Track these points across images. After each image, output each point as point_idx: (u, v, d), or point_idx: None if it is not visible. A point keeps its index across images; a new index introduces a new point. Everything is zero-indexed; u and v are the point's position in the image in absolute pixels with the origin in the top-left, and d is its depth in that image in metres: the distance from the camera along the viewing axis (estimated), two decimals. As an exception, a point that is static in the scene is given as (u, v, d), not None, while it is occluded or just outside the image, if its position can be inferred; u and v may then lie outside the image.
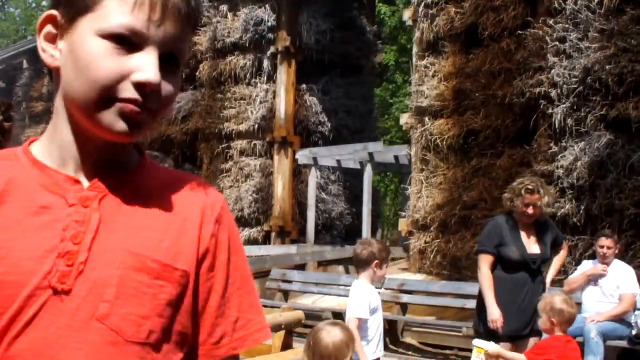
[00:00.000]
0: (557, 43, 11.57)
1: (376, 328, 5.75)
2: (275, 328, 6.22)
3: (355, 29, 19.60)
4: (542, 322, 5.52)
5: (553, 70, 11.52)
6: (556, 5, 11.71)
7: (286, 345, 6.26)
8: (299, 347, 6.55)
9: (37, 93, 26.80)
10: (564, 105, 11.31)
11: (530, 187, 6.21)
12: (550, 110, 11.51)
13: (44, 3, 56.78)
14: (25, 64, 27.63)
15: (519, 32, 12.20)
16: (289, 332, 6.26)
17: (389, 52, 27.73)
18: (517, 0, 12.43)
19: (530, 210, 6.17)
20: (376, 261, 5.75)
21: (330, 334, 4.41)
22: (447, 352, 10.31)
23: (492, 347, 5.61)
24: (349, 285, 11.32)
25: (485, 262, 6.46)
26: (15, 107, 4.55)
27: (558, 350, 5.33)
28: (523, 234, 6.40)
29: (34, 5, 57.45)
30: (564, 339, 5.40)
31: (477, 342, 5.73)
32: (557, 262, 6.82)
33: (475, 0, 13.07)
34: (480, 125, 12.69)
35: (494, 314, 6.22)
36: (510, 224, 6.43)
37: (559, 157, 11.33)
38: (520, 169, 11.85)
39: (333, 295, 12.07)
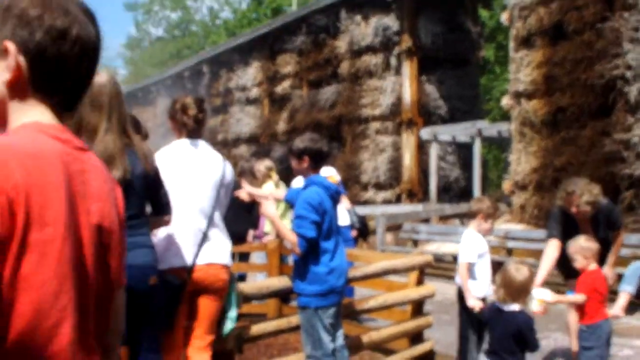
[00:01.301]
0: (631, 32, 11.34)
1: (484, 270, 5.69)
2: (410, 269, 6.26)
3: (463, 31, 19.47)
4: (579, 263, 5.30)
5: (628, 55, 11.31)
6: (631, 1, 11.45)
7: (419, 282, 6.37)
8: (428, 283, 6.71)
9: (216, 91, 27.18)
10: (638, 84, 11.13)
11: (568, 190, 5.76)
12: (626, 89, 11.31)
13: (217, 22, 58.11)
14: (205, 69, 28.02)
15: (598, 25, 11.98)
16: (421, 272, 6.38)
17: (489, 48, 27.33)
18: (596, -1, 12.24)
19: (574, 210, 5.73)
20: (481, 214, 5.81)
21: (519, 272, 4.65)
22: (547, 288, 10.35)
23: (551, 297, 5.23)
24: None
25: (552, 246, 5.92)
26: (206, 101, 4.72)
27: (597, 278, 5.28)
28: (581, 227, 5.83)
29: (210, 23, 58.78)
30: (597, 269, 5.33)
31: (536, 293, 5.18)
32: (614, 249, 6.01)
33: (561, 1, 12.90)
34: (567, 103, 12.56)
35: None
36: (568, 216, 5.89)
37: (634, 127, 11.16)
38: (601, 138, 11.72)
39: (452, 242, 12.25)
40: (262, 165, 8.90)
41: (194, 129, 4.23)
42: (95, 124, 3.37)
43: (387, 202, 18.20)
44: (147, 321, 3.54)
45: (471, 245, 5.66)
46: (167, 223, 3.75)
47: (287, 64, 22.66)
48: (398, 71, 18.64)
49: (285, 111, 22.49)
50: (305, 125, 20.70)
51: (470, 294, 5.55)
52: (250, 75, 24.62)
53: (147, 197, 3.60)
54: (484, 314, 5.13)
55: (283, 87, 22.85)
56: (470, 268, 5.63)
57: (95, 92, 3.35)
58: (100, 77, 3.40)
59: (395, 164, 18.48)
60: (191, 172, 4.04)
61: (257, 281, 6.94)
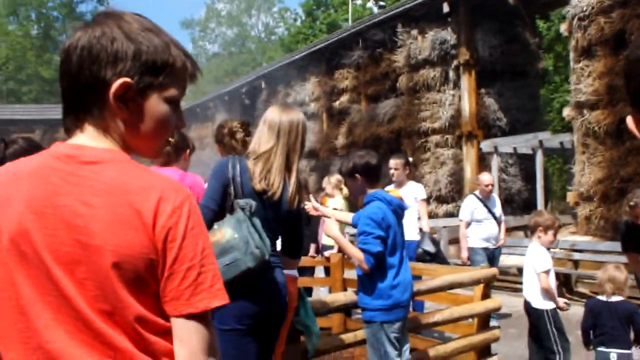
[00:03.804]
0: (695, 40, 11.16)
1: (552, 281, 5.81)
2: (476, 282, 6.30)
3: (520, 42, 19.30)
4: None
5: (692, 63, 11.11)
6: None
7: (485, 295, 6.38)
8: (494, 296, 6.70)
9: None
10: (703, 92, 10.92)
11: (631, 203, 6.00)
12: (691, 97, 11.11)
13: (273, 38, 58.65)
14: (263, 85, 28.11)
15: (661, 33, 11.82)
16: (487, 285, 6.39)
17: (548, 58, 27.03)
18: (658, 7, 12.06)
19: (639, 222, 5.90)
20: (540, 227, 5.87)
21: (619, 269, 5.11)
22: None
23: None
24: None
25: (632, 260, 6.22)
26: (251, 124, 4.80)
27: None
28: None
29: (265, 39, 59.34)
30: None
31: None
32: None
33: (622, 11, 12.75)
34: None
35: None
36: (636, 227, 6.05)
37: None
38: (667, 148, 11.55)
39: (517, 255, 12.17)
40: (333, 178, 9.20)
41: (242, 152, 4.39)
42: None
43: (449, 215, 18.11)
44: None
45: (543, 255, 5.80)
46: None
47: (345, 78, 22.78)
48: (456, 84, 18.58)
49: (343, 126, 22.59)
50: (364, 139, 20.77)
51: (556, 296, 5.78)
52: (307, 90, 24.81)
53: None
54: (590, 307, 5.55)
55: (341, 101, 22.96)
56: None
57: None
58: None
59: (457, 176, 18.40)
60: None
61: (322, 296, 7.05)
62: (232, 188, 3.54)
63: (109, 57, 1.45)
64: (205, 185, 4.03)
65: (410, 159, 9.91)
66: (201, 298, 1.42)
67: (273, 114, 3.70)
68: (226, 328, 3.41)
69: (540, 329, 5.80)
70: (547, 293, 5.74)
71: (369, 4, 42.78)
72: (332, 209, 5.31)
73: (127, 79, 1.45)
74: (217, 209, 3.54)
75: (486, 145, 17.52)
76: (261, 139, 3.65)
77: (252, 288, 3.43)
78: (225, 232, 3.33)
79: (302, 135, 3.71)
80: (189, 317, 1.42)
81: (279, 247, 3.78)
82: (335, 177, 9.34)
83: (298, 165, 3.71)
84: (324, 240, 8.96)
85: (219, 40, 61.92)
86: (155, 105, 1.51)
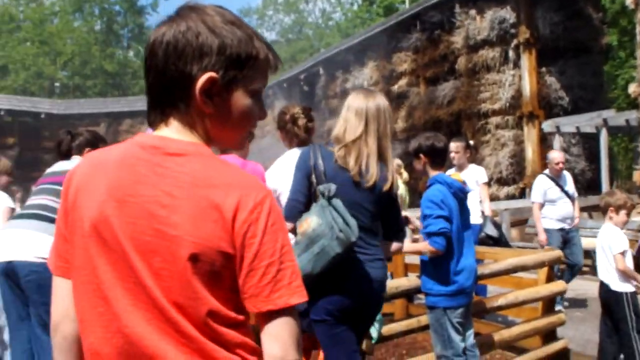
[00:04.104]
0: None
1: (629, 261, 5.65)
2: (540, 265, 6.18)
3: (583, 18, 18.88)
4: None
5: None
6: None
7: (549, 278, 6.29)
8: (558, 280, 6.60)
9: (332, 92, 27.30)
10: None
11: None
12: None
13: (330, 23, 58.55)
14: (321, 71, 28.16)
15: None
16: (551, 268, 6.29)
17: (612, 34, 26.32)
18: None
19: None
20: (611, 207, 5.72)
21: None
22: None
23: None
24: (593, 228, 11.16)
25: None
26: (313, 109, 4.80)
27: None
28: None
29: (323, 25, 59.29)
30: None
31: None
32: None
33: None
34: (700, 88, 12.02)
35: None
36: None
37: None
38: None
39: (581, 236, 11.94)
40: (394, 163, 9.16)
41: (304, 139, 4.38)
42: None
43: (510, 197, 17.90)
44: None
45: (618, 235, 5.62)
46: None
47: (403, 62, 22.64)
48: (516, 64, 18.32)
49: (402, 109, 22.48)
50: (424, 122, 20.65)
51: (638, 276, 5.57)
52: (366, 75, 24.74)
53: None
54: None
55: (399, 85, 22.84)
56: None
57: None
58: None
59: (518, 158, 18.15)
60: None
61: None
62: (314, 177, 3.53)
63: (194, 52, 1.47)
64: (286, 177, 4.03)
65: (471, 142, 9.76)
66: (280, 295, 1.43)
67: (358, 101, 3.67)
68: (317, 319, 3.45)
69: (617, 312, 5.60)
70: (625, 275, 5.57)
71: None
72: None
73: (213, 74, 1.47)
74: (305, 200, 3.55)
75: (548, 125, 17.22)
76: (348, 127, 3.61)
77: (344, 281, 3.43)
78: (311, 221, 3.33)
79: (390, 119, 3.70)
80: (276, 313, 1.43)
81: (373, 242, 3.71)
82: (395, 162, 9.31)
83: (391, 149, 3.70)
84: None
85: (277, 27, 62.21)
86: (240, 98, 1.53)
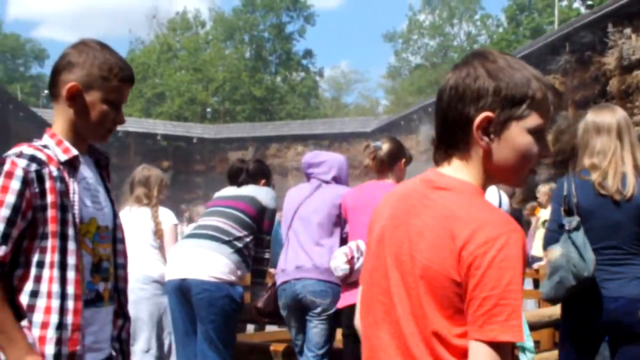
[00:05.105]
0: None
1: None
2: None
3: None
4: None
5: None
6: None
7: None
8: None
9: None
10: None
11: None
12: None
13: (475, 46, 57.84)
14: None
15: None
16: None
17: None
18: None
19: None
20: None
21: None
22: None
23: None
24: None
25: None
26: None
27: None
28: None
29: (468, 48, 58.69)
30: None
31: None
32: None
33: None
34: None
35: None
36: None
37: None
38: None
39: None
40: (546, 188, 9.08)
41: None
42: None
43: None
44: None
45: None
46: None
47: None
48: (675, 85, 17.41)
49: (550, 133, 21.85)
50: (572, 147, 19.99)
51: None
52: (512, 98, 24.28)
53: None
54: None
55: (547, 108, 22.25)
56: None
57: None
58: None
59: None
60: None
61: (535, 310, 6.81)
62: (564, 206, 3.61)
63: (472, 94, 1.61)
64: None
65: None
66: (492, 329, 1.46)
67: (601, 117, 3.64)
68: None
69: None
70: None
71: (575, 4, 41.06)
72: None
73: (489, 113, 1.59)
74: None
75: None
76: (597, 148, 3.58)
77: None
78: (555, 251, 3.53)
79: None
80: (483, 345, 1.48)
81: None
82: (548, 186, 9.14)
83: None
84: (534, 251, 8.70)
85: (422, 51, 62.00)
86: (517, 135, 1.62)
